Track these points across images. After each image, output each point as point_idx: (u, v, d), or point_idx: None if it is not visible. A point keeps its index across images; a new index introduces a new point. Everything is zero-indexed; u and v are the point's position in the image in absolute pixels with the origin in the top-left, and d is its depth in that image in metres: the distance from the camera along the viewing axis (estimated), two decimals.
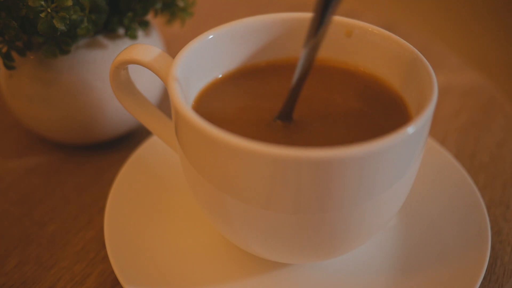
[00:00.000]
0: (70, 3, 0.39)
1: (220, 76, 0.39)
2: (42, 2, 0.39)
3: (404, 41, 0.37)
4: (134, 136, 0.52)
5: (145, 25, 0.45)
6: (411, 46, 0.37)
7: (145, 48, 0.37)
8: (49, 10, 0.39)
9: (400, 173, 0.32)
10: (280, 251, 0.35)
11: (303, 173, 0.30)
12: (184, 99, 0.33)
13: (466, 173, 0.43)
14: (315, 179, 0.30)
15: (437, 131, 0.52)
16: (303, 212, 0.32)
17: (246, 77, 0.40)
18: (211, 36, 0.38)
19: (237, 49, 0.40)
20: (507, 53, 1.40)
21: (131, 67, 0.39)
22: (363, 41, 0.39)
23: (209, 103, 0.37)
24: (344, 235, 0.34)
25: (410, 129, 0.30)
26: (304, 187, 0.30)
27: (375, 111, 0.38)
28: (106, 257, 0.40)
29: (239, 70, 0.40)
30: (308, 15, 0.40)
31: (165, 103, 0.53)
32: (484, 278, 0.38)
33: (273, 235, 0.34)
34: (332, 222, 0.32)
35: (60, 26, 0.39)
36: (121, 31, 0.46)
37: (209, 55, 0.38)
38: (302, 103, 0.38)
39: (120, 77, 0.38)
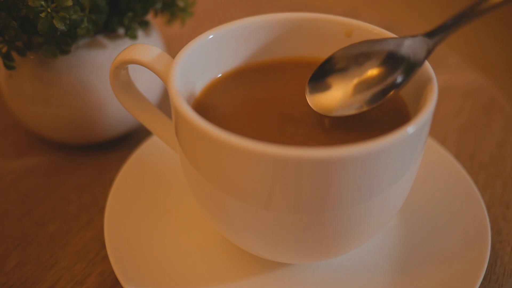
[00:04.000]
0: (70, 3, 0.39)
1: (220, 75, 0.39)
2: (42, 2, 0.39)
3: None
4: (134, 136, 0.52)
5: (145, 25, 0.45)
6: None
7: (145, 48, 0.36)
8: (49, 10, 0.39)
9: (400, 172, 0.32)
10: (280, 251, 0.35)
11: (303, 173, 0.30)
12: (184, 99, 0.33)
13: (466, 173, 0.43)
14: (315, 179, 0.30)
15: (437, 131, 0.52)
16: (303, 212, 0.32)
17: (246, 76, 0.40)
18: (211, 36, 0.38)
19: (237, 49, 0.40)
20: (507, 53, 1.40)
21: (131, 67, 0.39)
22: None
23: (209, 103, 0.37)
24: (344, 234, 0.34)
25: (410, 128, 0.30)
26: (305, 187, 0.30)
27: (374, 111, 0.38)
28: (106, 257, 0.40)
29: (239, 70, 0.40)
30: (308, 15, 0.40)
31: (165, 103, 0.53)
32: (484, 278, 0.38)
33: (273, 235, 0.34)
34: (332, 222, 0.32)
35: (60, 26, 0.39)
36: (121, 31, 0.46)
37: (209, 55, 0.38)
38: (301, 103, 0.38)
39: (120, 77, 0.38)
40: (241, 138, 0.30)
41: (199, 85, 0.38)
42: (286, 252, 0.36)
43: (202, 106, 0.37)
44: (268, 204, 0.32)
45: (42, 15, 0.39)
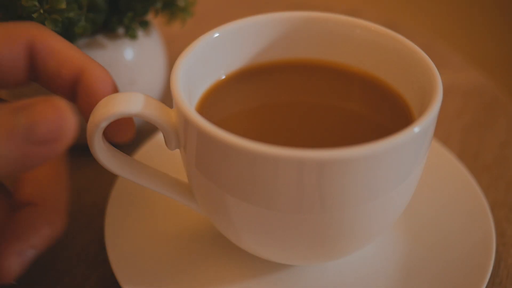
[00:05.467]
0: (63, 6, 0.38)
1: (224, 77, 0.39)
2: (36, 3, 0.38)
3: (408, 40, 0.37)
4: (134, 137, 0.51)
5: (145, 25, 0.45)
6: (414, 45, 0.36)
7: (128, 96, 0.33)
8: (41, 11, 0.38)
9: (406, 172, 0.32)
10: (282, 251, 0.35)
11: (307, 174, 0.29)
12: (189, 103, 0.32)
13: (469, 173, 0.43)
14: (320, 180, 0.30)
15: (440, 131, 0.52)
16: (306, 212, 0.31)
17: (250, 77, 0.40)
18: (216, 34, 0.37)
19: (242, 49, 0.39)
20: (510, 53, 1.39)
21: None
22: (365, 41, 0.39)
23: (213, 104, 0.37)
24: (347, 235, 0.34)
25: (416, 128, 0.30)
26: (310, 188, 0.30)
27: (378, 112, 0.37)
28: (106, 259, 0.40)
29: (243, 70, 0.40)
30: (315, 15, 0.39)
31: (166, 103, 0.52)
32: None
33: (275, 235, 0.33)
34: (335, 222, 0.32)
35: (52, 27, 0.38)
36: (121, 31, 0.45)
37: (214, 54, 0.38)
38: (304, 105, 0.37)
39: (101, 142, 0.34)
40: (243, 139, 0.29)
41: (203, 85, 0.38)
42: (288, 252, 0.35)
43: (206, 107, 0.37)
44: (270, 204, 0.31)
45: (35, 15, 0.38)
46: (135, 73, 0.46)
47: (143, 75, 0.46)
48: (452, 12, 1.54)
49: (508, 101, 0.56)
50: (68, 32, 0.41)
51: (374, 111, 0.38)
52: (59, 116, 0.26)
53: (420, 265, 0.38)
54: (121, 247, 0.38)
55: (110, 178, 0.47)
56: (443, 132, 0.52)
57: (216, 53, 0.38)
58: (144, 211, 0.41)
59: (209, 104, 0.37)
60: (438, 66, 0.35)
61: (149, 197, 0.42)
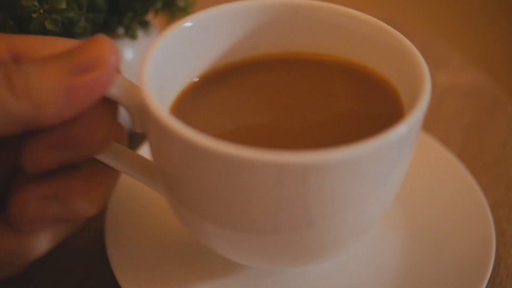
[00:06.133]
0: (64, 6, 0.38)
1: (197, 78, 0.37)
2: (36, 3, 0.38)
3: (399, 33, 0.35)
4: (134, 136, 0.51)
5: (145, 25, 0.45)
6: (404, 38, 0.34)
7: None
8: (41, 11, 0.38)
9: (387, 175, 0.31)
10: (264, 262, 0.35)
11: (282, 180, 0.28)
12: (159, 105, 0.30)
13: (469, 173, 0.43)
14: (303, 185, 0.28)
15: (439, 131, 0.52)
16: (286, 232, 0.31)
17: (226, 75, 0.38)
18: (188, 24, 0.35)
19: (217, 40, 0.37)
20: (510, 53, 1.39)
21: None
22: (356, 33, 0.37)
23: (187, 106, 0.36)
24: (333, 242, 0.33)
25: (401, 128, 0.28)
26: (289, 199, 0.28)
27: (369, 107, 0.36)
28: (106, 259, 0.40)
29: (218, 68, 0.38)
30: (296, 1, 0.37)
31: None
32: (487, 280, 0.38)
33: (253, 253, 0.33)
34: (316, 233, 0.31)
35: (52, 28, 0.38)
36: (121, 31, 0.45)
37: (188, 48, 0.35)
38: (287, 101, 0.36)
39: None
40: (216, 141, 0.27)
41: (176, 86, 0.36)
42: (269, 262, 0.35)
43: (180, 108, 0.35)
44: (243, 225, 0.30)
45: (34, 15, 0.38)
46: (135, 73, 0.46)
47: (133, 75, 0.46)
48: (452, 11, 1.54)
49: (508, 101, 0.56)
50: (68, 32, 0.41)
51: (366, 106, 0.36)
52: (98, 45, 0.28)
53: (420, 265, 0.38)
54: (121, 247, 0.38)
55: None
56: (443, 132, 0.52)
57: (191, 46, 0.36)
58: (145, 211, 0.41)
59: (183, 106, 0.35)
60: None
61: (150, 197, 0.42)
